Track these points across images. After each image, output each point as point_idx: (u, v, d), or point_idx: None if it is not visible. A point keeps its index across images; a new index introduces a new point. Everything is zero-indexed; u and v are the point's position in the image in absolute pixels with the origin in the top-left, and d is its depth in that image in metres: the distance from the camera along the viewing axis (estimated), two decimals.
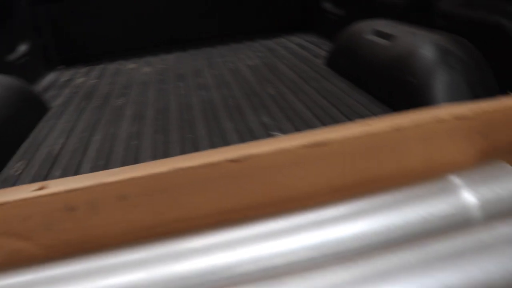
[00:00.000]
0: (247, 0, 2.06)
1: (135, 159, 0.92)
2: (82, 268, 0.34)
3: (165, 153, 0.95)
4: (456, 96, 0.95)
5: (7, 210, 0.34)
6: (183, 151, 0.94)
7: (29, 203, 0.34)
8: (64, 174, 0.87)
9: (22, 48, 1.65)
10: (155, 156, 0.94)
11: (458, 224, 0.35)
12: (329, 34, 1.79)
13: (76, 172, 0.88)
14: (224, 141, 0.95)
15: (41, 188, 0.35)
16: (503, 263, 0.27)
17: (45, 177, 0.86)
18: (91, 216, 0.35)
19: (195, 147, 0.95)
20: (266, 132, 0.95)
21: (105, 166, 0.90)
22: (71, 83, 1.61)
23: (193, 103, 1.24)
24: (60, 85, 1.63)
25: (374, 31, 1.24)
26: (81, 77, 1.69)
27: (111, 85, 1.52)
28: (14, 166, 0.93)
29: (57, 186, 0.33)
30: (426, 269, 0.26)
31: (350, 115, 1.05)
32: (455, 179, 0.40)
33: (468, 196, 0.39)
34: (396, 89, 1.03)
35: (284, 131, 0.94)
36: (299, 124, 1.01)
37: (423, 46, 1.02)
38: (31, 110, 1.22)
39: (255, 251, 0.34)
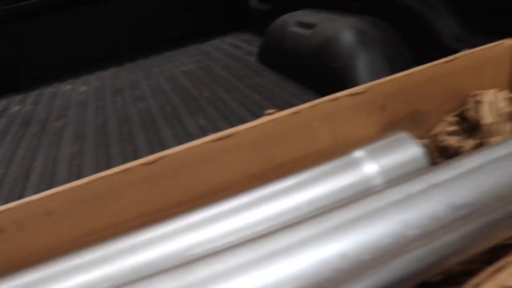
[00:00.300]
0: (177, 6, 2.07)
1: (78, 179, 0.93)
2: (15, 284, 0.36)
3: (108, 168, 0.95)
4: (377, 74, 1.01)
5: None
6: (125, 163, 0.95)
7: None
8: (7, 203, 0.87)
9: None
10: (97, 172, 0.95)
11: (363, 193, 0.39)
12: (260, 31, 1.83)
13: (20, 199, 0.88)
14: (164, 148, 0.97)
15: None
16: (390, 226, 0.31)
17: None
18: (20, 235, 0.37)
19: (136, 158, 0.96)
20: (204, 134, 0.97)
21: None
22: (6, 113, 1.58)
23: (132, 115, 1.25)
24: None
25: (297, 22, 1.29)
26: (16, 105, 1.67)
27: (48, 109, 1.51)
28: None
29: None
30: (324, 241, 0.29)
31: (283, 106, 1.08)
32: (358, 153, 0.44)
33: (370, 166, 0.43)
34: (322, 75, 1.08)
35: (221, 130, 0.97)
36: (235, 122, 1.05)
37: (342, 31, 1.07)
38: None
39: (178, 244, 0.37)
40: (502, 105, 0.48)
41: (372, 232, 0.29)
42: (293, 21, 1.32)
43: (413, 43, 1.00)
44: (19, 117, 1.51)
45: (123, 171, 0.38)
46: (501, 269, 0.37)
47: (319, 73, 1.10)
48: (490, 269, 0.37)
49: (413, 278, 0.31)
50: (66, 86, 1.79)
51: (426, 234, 0.29)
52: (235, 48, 1.84)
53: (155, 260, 0.37)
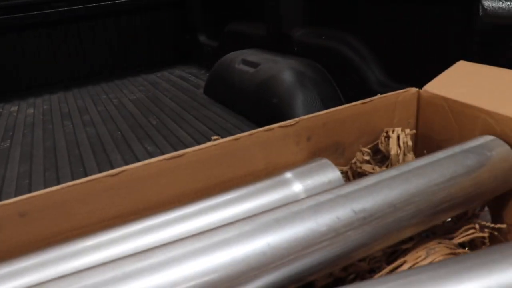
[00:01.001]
0: (127, 37, 2.13)
1: None
2: None
3: None
4: (312, 109, 1.12)
5: None
6: None
7: None
8: None
9: None
10: None
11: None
12: (207, 65, 1.93)
13: None
14: None
15: None
16: (305, 224, 0.39)
17: None
18: None
19: None
20: None
21: None
22: None
23: (81, 139, 1.29)
24: None
25: (243, 60, 1.40)
26: None
27: None
28: None
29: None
30: (257, 236, 0.38)
31: (226, 136, 1.17)
32: (288, 174, 0.53)
33: (297, 186, 0.52)
34: (263, 109, 1.19)
35: None
36: (181, 149, 1.11)
37: (282, 71, 1.19)
38: None
39: (133, 244, 0.44)
40: (406, 140, 0.59)
41: (291, 229, 0.38)
42: (239, 59, 1.43)
43: (344, 85, 1.12)
44: None
45: (90, 180, 0.45)
46: (398, 267, 0.47)
47: (261, 108, 1.20)
48: (390, 267, 0.47)
49: (323, 267, 0.39)
50: (12, 108, 1.80)
51: (332, 230, 0.39)
52: (182, 80, 1.93)
53: (112, 257, 0.44)
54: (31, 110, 1.72)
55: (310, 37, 1.27)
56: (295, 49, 1.30)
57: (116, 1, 2.07)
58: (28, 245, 0.44)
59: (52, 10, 1.97)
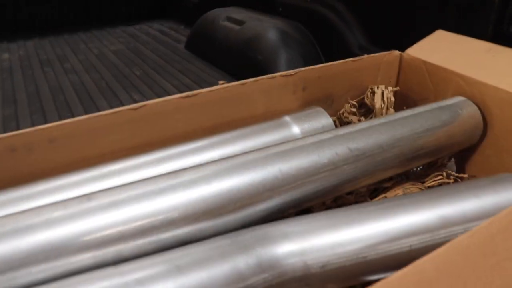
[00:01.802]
0: None
1: None
2: (20, 194, 0.46)
3: None
4: (294, 67, 1.18)
5: None
6: None
7: None
8: None
9: None
10: None
11: None
12: (186, 20, 1.94)
13: None
14: None
15: None
16: (309, 157, 0.46)
17: None
18: (28, 156, 0.47)
19: None
20: None
21: None
22: None
23: (65, 86, 1.31)
24: None
25: (227, 18, 1.43)
26: None
27: None
28: None
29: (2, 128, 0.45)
30: (271, 163, 0.44)
31: None
32: (287, 118, 0.59)
33: (295, 128, 0.58)
34: (247, 66, 1.24)
35: None
36: None
37: (268, 30, 1.24)
38: None
39: (149, 172, 0.50)
40: (390, 96, 0.66)
41: (298, 159, 0.44)
42: (223, 16, 1.46)
43: (326, 47, 1.19)
44: None
45: (113, 112, 0.50)
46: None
47: (246, 64, 1.25)
48: (372, 201, 0.54)
49: (321, 195, 0.46)
50: None
51: (331, 163, 0.45)
52: (162, 34, 1.94)
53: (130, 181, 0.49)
54: (6, 55, 1.70)
55: None
56: (280, 9, 1.34)
57: None
58: (56, 168, 0.49)
59: None
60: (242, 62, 1.27)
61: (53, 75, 1.41)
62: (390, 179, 0.58)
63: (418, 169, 0.64)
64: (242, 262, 0.36)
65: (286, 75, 0.60)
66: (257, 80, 0.58)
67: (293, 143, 0.47)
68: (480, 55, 0.67)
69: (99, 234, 0.36)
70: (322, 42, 1.20)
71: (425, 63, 0.68)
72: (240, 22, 1.35)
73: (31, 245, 0.33)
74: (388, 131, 0.52)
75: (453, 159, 0.66)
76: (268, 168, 0.43)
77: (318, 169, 0.45)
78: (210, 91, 0.55)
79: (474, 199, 0.44)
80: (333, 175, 0.46)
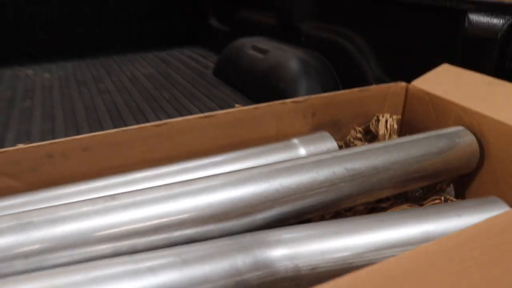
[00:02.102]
0: (141, 13, 2.23)
1: None
2: (56, 194, 0.53)
3: None
4: (313, 94, 1.24)
5: (3, 157, 0.52)
6: None
7: (20, 152, 0.53)
8: None
9: None
10: None
11: None
12: (215, 48, 2.04)
13: None
14: None
15: (28, 143, 0.53)
16: (308, 174, 0.51)
17: None
18: (64, 162, 0.54)
19: None
20: None
21: None
22: None
23: (98, 105, 1.40)
24: None
25: (253, 46, 1.51)
26: None
27: (13, 90, 1.62)
28: None
29: (40, 141, 0.53)
30: (273, 177, 0.49)
31: None
32: (295, 140, 0.65)
33: (301, 150, 0.64)
34: (270, 93, 1.31)
35: None
36: None
37: (290, 59, 1.31)
38: None
39: (169, 181, 0.56)
40: (393, 123, 0.71)
41: (298, 176, 0.50)
42: (249, 45, 1.54)
43: (344, 76, 1.24)
44: None
45: (139, 128, 0.57)
46: None
47: (268, 91, 1.32)
48: None
49: (319, 208, 0.52)
50: (28, 71, 1.90)
51: (329, 181, 0.51)
52: (192, 60, 2.04)
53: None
54: (47, 75, 1.82)
55: (316, 30, 1.38)
56: (302, 40, 1.41)
57: None
58: (87, 174, 0.56)
59: None
60: (265, 89, 1.34)
61: (88, 95, 1.51)
62: (387, 199, 0.63)
63: (417, 193, 0.68)
64: (240, 260, 0.42)
65: (296, 102, 0.66)
66: (270, 105, 0.64)
67: (295, 161, 0.52)
68: (480, 88, 0.71)
69: (118, 229, 0.42)
70: (340, 72, 1.26)
71: (428, 94, 0.73)
72: (264, 51, 1.42)
73: (63, 233, 0.40)
74: (384, 154, 0.57)
75: (452, 185, 0.70)
76: (270, 182, 0.49)
77: (316, 185, 0.50)
78: (226, 113, 0.61)
79: (456, 218, 0.48)
80: (330, 191, 0.51)
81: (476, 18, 0.80)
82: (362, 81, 1.13)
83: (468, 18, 0.82)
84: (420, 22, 0.97)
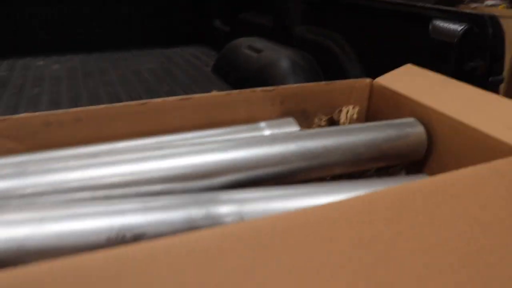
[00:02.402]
0: (149, 13, 2.33)
1: None
2: (50, 155, 0.62)
3: None
4: None
5: (7, 123, 0.62)
6: None
7: (21, 119, 0.62)
8: None
9: None
10: None
11: None
12: (218, 47, 2.13)
13: None
14: None
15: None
16: (263, 147, 0.60)
17: None
18: (59, 130, 0.64)
19: None
20: None
21: None
22: None
23: (101, 95, 1.50)
24: None
25: (248, 46, 1.60)
26: None
27: (23, 78, 1.72)
28: None
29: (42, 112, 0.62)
30: (235, 150, 0.59)
31: None
32: (262, 124, 0.74)
33: (266, 131, 0.73)
34: None
35: None
36: None
37: (280, 59, 1.40)
38: None
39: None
40: (353, 113, 0.80)
41: (251, 150, 0.59)
42: (246, 44, 1.63)
43: (329, 75, 1.33)
44: None
45: (125, 105, 0.66)
46: None
47: (259, 87, 1.41)
48: None
49: (273, 178, 0.61)
50: (39, 62, 2.01)
51: (280, 155, 0.60)
52: (194, 58, 2.14)
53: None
54: (56, 66, 1.92)
55: (307, 32, 1.48)
56: (294, 41, 1.51)
57: None
58: (80, 141, 0.65)
59: None
60: (258, 85, 1.43)
61: (93, 85, 1.61)
62: (341, 176, 0.71)
63: (369, 173, 0.77)
64: (194, 211, 0.51)
65: (265, 90, 0.75)
66: (241, 92, 0.73)
67: (253, 138, 0.62)
68: (434, 86, 0.80)
69: (97, 181, 0.51)
70: (327, 71, 1.35)
71: (389, 90, 0.82)
72: (258, 51, 1.52)
73: (51, 181, 0.49)
74: (334, 136, 0.65)
75: (404, 170, 0.79)
76: (228, 152, 0.58)
77: (269, 157, 0.59)
78: (202, 96, 0.71)
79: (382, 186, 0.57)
80: (282, 163, 0.60)
81: (438, 23, 0.88)
82: (344, 79, 1.22)
83: (432, 23, 0.90)
84: (394, 27, 1.06)
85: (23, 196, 0.48)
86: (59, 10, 2.19)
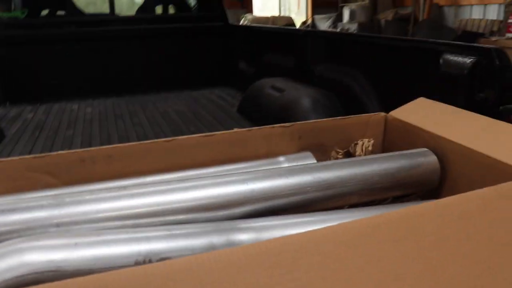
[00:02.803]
0: (177, 57, 2.44)
1: None
2: (85, 189, 0.67)
3: None
4: None
5: (46, 160, 0.68)
6: None
7: (59, 156, 0.68)
8: None
9: None
10: None
11: None
12: (244, 88, 2.21)
13: None
14: None
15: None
16: (281, 179, 0.64)
17: None
18: (92, 165, 0.69)
19: None
20: None
21: None
22: (20, 118, 1.89)
23: (131, 136, 1.58)
24: (10, 119, 1.90)
25: (271, 86, 1.67)
26: (29, 113, 1.98)
27: (58, 120, 1.82)
28: None
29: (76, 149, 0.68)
30: (252, 182, 0.63)
31: None
32: (281, 158, 0.78)
33: (285, 165, 0.77)
34: None
35: None
36: None
37: (302, 97, 1.45)
38: None
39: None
40: (368, 145, 0.83)
41: (269, 181, 0.63)
42: (269, 85, 1.70)
43: (349, 110, 1.37)
44: (32, 122, 1.82)
45: (153, 142, 0.71)
46: None
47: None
48: None
49: (291, 208, 0.64)
50: (73, 106, 2.12)
51: (297, 185, 0.63)
52: (220, 99, 2.22)
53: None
54: (89, 109, 2.03)
55: (327, 71, 1.53)
56: (315, 80, 1.56)
57: (171, 26, 2.39)
58: (111, 176, 0.70)
59: (117, 28, 2.30)
60: (281, 123, 1.48)
61: (123, 127, 1.69)
62: (357, 206, 0.74)
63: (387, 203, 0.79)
64: (215, 239, 0.54)
65: (283, 126, 0.80)
66: (261, 129, 0.78)
67: (271, 170, 0.66)
68: (446, 117, 0.83)
69: (126, 211, 0.56)
70: (346, 107, 1.39)
71: (403, 122, 0.85)
72: (281, 90, 1.58)
73: (85, 211, 0.54)
74: (348, 167, 0.69)
75: (419, 199, 0.81)
76: (248, 184, 0.62)
77: (286, 188, 0.63)
78: (224, 133, 0.75)
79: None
80: (298, 194, 0.64)
81: (448, 57, 0.92)
82: (362, 111, 1.26)
83: (443, 57, 0.94)
84: (408, 63, 1.10)
85: (59, 224, 0.53)
86: (92, 58, 2.32)
